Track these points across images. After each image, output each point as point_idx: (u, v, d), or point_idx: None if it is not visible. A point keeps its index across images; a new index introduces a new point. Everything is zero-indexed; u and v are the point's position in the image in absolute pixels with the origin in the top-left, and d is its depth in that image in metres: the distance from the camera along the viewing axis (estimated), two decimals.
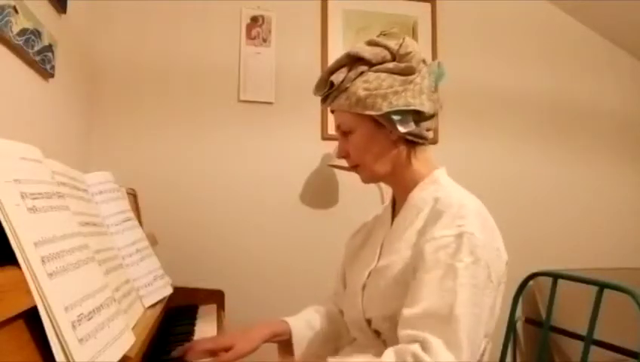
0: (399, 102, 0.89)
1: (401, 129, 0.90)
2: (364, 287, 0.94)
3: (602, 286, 1.28)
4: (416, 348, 0.73)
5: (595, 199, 2.37)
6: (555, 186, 2.32)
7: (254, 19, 2.04)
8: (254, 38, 2.03)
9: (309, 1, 2.10)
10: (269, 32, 2.04)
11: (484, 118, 2.26)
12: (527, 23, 2.35)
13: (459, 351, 0.73)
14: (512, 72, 2.31)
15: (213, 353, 1.00)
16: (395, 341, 0.79)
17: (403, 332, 0.77)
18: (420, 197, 0.92)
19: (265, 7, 2.04)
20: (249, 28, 2.03)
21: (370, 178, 0.99)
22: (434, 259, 0.80)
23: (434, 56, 2.18)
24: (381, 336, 0.90)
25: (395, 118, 0.89)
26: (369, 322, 0.91)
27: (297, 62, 2.05)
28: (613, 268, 2.12)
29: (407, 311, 0.78)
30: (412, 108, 0.89)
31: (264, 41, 2.04)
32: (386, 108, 0.89)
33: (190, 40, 1.97)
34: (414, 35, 2.17)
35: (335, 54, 2.06)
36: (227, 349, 0.99)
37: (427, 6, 2.21)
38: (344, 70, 0.93)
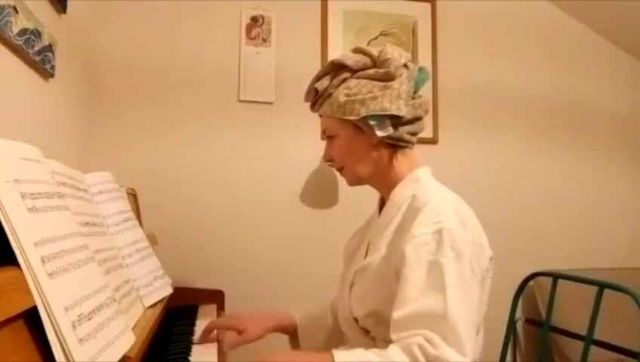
0: (376, 108, 0.91)
1: (379, 133, 0.92)
2: (351, 286, 0.95)
3: (602, 286, 1.28)
4: (421, 339, 0.72)
5: (595, 199, 2.36)
6: (555, 186, 2.31)
7: (254, 19, 2.04)
8: (254, 38, 2.03)
9: (309, 1, 2.10)
10: (269, 32, 2.04)
11: (484, 118, 2.26)
12: (527, 22, 2.35)
13: (461, 346, 0.73)
14: (511, 72, 2.31)
15: (221, 330, 1.12)
16: (383, 337, 0.79)
17: (396, 336, 0.76)
18: (401, 194, 0.94)
19: (265, 7, 2.04)
20: (249, 28, 2.03)
21: (353, 180, 1.02)
22: (416, 257, 0.80)
23: (434, 56, 2.18)
24: (370, 334, 0.92)
25: (372, 122, 0.92)
26: (356, 320, 0.93)
27: (297, 62, 2.05)
28: (613, 268, 2.12)
29: (397, 314, 0.77)
30: (388, 113, 0.91)
31: (264, 41, 2.04)
32: (363, 113, 0.92)
33: (190, 40, 1.97)
34: (414, 35, 2.17)
35: (335, 54, 2.07)
36: (238, 330, 1.08)
37: (427, 6, 2.21)
38: (328, 77, 0.98)
